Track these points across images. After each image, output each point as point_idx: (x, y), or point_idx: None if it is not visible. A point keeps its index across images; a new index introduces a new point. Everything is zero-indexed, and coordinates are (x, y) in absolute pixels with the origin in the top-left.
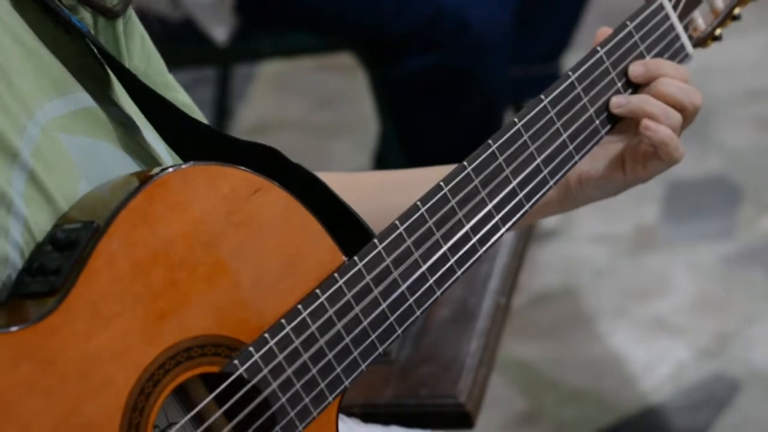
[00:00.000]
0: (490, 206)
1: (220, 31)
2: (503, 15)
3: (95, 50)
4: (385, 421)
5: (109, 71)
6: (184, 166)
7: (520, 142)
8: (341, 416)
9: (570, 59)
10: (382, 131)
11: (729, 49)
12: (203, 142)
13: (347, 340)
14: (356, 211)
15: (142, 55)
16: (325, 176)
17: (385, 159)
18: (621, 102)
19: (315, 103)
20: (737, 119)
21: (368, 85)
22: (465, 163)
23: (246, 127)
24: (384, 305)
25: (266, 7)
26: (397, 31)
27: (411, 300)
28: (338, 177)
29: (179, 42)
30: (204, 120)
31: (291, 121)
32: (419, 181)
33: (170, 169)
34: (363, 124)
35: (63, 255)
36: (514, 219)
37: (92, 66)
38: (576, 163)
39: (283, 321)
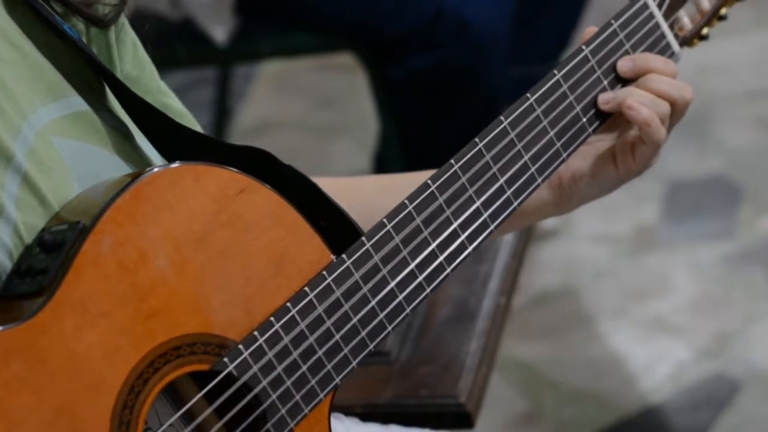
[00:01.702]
0: (477, 204)
1: (220, 31)
2: (503, 15)
3: (86, 57)
4: (385, 421)
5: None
6: (171, 166)
7: (506, 140)
8: (340, 415)
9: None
10: (382, 131)
11: (729, 49)
12: (193, 147)
13: (337, 337)
14: (349, 213)
15: (135, 61)
16: (320, 181)
17: (385, 159)
18: (608, 98)
19: (315, 103)
20: (737, 119)
21: (368, 85)
22: (452, 161)
23: (246, 127)
24: (373, 302)
25: (266, 7)
26: (397, 30)
27: (400, 297)
28: (334, 182)
29: (179, 42)
30: (198, 126)
31: (291, 121)
32: (413, 185)
33: (157, 169)
34: (363, 124)
35: (50, 256)
36: (502, 216)
37: (85, 72)
38: (564, 160)
39: (272, 319)
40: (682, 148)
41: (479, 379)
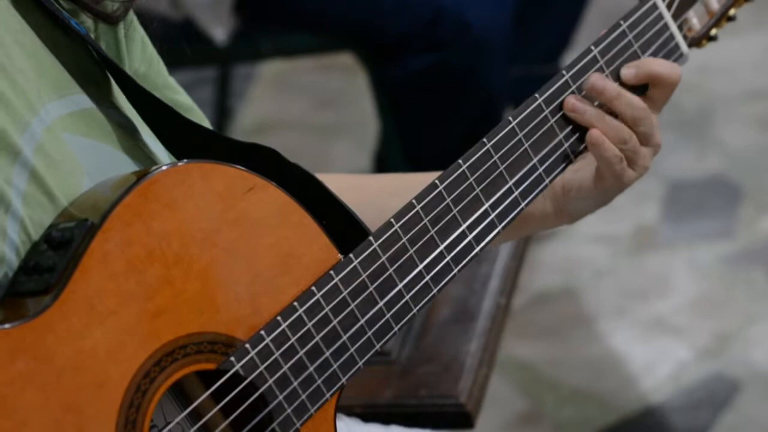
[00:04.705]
0: (486, 205)
1: (220, 31)
2: (503, 15)
3: (94, 53)
4: (385, 421)
5: (108, 74)
6: (178, 164)
7: (514, 140)
8: (341, 415)
9: (570, 59)
10: (382, 131)
11: (729, 49)
12: (201, 144)
13: (344, 337)
14: (356, 212)
15: (143, 57)
16: (325, 178)
17: (385, 159)
18: (576, 107)
19: (315, 103)
20: (737, 119)
21: (368, 85)
22: (460, 161)
23: (246, 127)
24: (381, 303)
25: (266, 7)
26: (397, 31)
27: (407, 297)
28: (338, 179)
29: (179, 42)
30: (206, 121)
31: (291, 121)
32: (420, 186)
33: (165, 167)
34: (363, 124)
35: (58, 253)
36: (510, 217)
37: (92, 68)
38: (572, 161)
39: (279, 318)
40: (682, 148)
41: (479, 379)
